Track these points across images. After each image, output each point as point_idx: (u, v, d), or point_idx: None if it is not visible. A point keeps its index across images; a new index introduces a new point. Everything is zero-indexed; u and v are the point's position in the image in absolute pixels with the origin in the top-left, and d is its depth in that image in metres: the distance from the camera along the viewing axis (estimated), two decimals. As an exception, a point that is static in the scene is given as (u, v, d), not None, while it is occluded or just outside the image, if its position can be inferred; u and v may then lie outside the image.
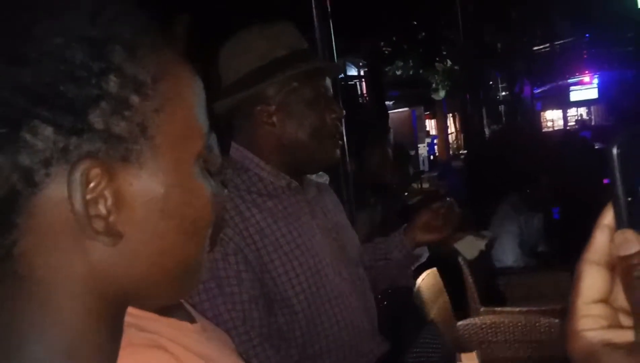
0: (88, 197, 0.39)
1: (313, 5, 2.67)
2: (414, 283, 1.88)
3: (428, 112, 18.82)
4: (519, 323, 2.12)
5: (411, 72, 12.18)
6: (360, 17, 7.44)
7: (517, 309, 2.31)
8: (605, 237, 0.39)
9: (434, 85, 12.38)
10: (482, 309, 2.37)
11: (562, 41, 11.53)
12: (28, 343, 0.39)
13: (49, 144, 0.38)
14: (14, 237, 0.39)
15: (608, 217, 0.39)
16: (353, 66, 11.74)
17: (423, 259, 1.50)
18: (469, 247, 1.76)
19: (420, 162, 14.24)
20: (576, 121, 17.16)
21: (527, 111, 12.42)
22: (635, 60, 8.99)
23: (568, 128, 16.40)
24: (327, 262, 1.22)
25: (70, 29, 0.39)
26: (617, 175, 0.37)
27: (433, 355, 1.49)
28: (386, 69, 11.47)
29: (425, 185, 10.56)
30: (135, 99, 0.41)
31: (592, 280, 0.39)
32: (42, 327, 0.40)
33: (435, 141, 18.15)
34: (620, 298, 0.38)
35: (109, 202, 0.40)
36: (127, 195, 0.41)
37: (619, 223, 0.38)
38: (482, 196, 3.69)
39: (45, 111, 0.38)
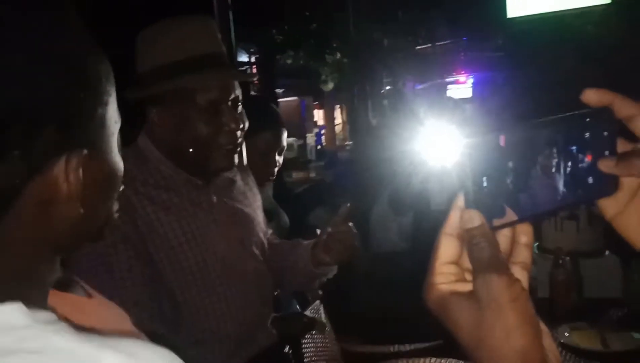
0: (78, 177, 0.48)
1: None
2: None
3: (317, 103, 19.14)
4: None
5: (301, 62, 12.31)
6: (255, 4, 7.43)
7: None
8: (457, 215, 0.50)
9: (323, 76, 12.61)
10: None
11: (442, 42, 12.28)
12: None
13: (52, 141, 0.47)
14: (13, 208, 0.46)
15: (460, 201, 0.50)
16: (244, 52, 11.65)
17: (330, 275, 1.54)
18: None
19: (308, 151, 14.48)
20: (452, 118, 18.33)
21: (409, 106, 13.10)
22: (505, 65, 9.80)
23: (445, 124, 17.49)
24: (218, 256, 1.25)
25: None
26: (467, 170, 0.48)
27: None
28: (277, 57, 11.52)
29: (312, 174, 10.78)
30: (100, 102, 0.52)
31: (446, 247, 0.51)
32: (14, 276, 0.49)
33: (322, 131, 18.52)
34: (466, 261, 0.50)
35: (86, 178, 0.49)
36: (94, 174, 0.51)
37: (467, 205, 0.49)
38: (365, 186, 3.88)
39: (55, 118, 0.47)
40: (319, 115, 19.88)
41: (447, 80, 14.96)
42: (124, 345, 0.44)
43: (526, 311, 0.47)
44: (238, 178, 1.41)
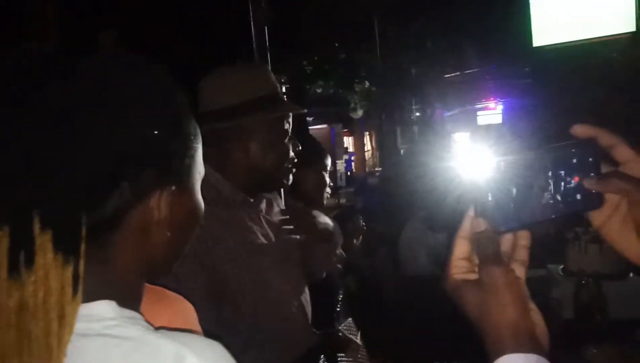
0: (167, 208, 0.62)
1: (252, 25, 2.82)
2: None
3: (346, 130, 19.28)
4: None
5: (331, 91, 12.52)
6: (285, 36, 7.66)
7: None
8: (468, 222, 0.67)
9: (352, 104, 12.78)
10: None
11: (470, 70, 12.36)
12: (102, 293, 0.59)
13: (151, 179, 0.61)
14: (115, 233, 0.60)
15: (471, 211, 0.66)
16: (275, 82, 11.91)
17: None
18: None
19: (338, 178, 14.59)
20: (482, 144, 18.20)
21: (438, 132, 13.13)
22: (533, 92, 9.83)
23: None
24: (271, 266, 1.41)
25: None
26: (475, 187, 0.63)
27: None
28: (307, 87, 11.76)
29: (343, 200, 10.86)
30: (189, 152, 0.66)
31: (460, 247, 0.68)
32: (114, 285, 0.61)
33: (352, 158, 18.63)
34: (475, 258, 0.67)
35: (173, 209, 0.63)
36: (179, 207, 0.65)
37: (476, 215, 0.65)
38: (394, 211, 3.96)
39: (155, 163, 0.61)
40: (348, 142, 20.03)
41: (477, 106, 14.96)
42: (181, 336, 0.58)
43: (518, 293, 0.62)
44: (274, 200, 1.57)
